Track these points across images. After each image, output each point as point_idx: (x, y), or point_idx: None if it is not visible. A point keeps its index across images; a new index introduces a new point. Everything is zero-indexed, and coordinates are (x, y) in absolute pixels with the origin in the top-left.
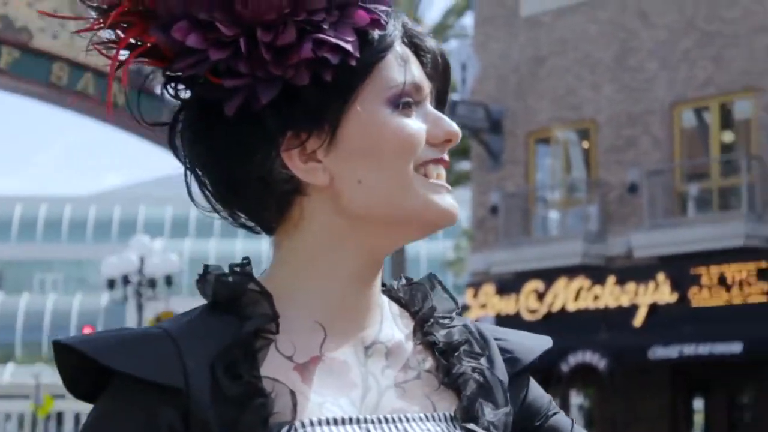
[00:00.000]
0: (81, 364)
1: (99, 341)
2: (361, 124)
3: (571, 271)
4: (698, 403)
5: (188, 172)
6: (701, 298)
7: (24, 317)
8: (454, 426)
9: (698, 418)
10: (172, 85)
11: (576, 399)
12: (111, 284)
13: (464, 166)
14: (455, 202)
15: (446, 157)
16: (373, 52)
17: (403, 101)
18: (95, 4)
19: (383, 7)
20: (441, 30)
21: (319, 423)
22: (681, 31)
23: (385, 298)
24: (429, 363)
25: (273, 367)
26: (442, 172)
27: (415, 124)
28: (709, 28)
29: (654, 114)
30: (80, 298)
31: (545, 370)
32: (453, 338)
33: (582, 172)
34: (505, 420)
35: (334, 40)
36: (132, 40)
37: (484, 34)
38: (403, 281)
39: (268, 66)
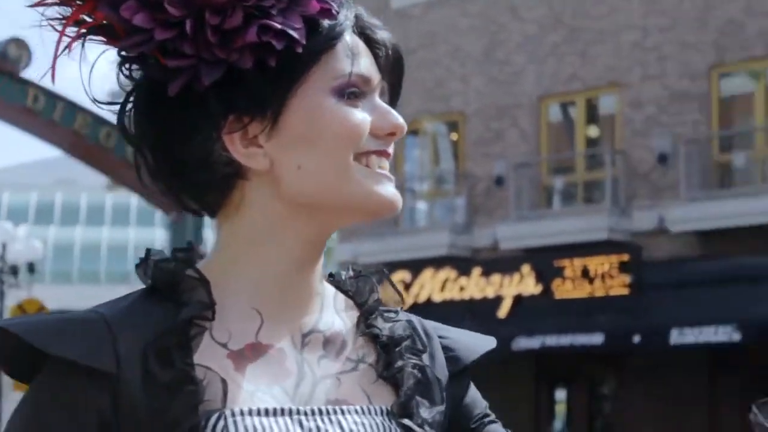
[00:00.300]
0: (17, 347)
1: (34, 324)
2: (305, 111)
3: (437, 262)
4: (560, 394)
5: (136, 150)
6: (564, 290)
7: None
8: (390, 421)
9: (560, 408)
10: (126, 65)
11: None
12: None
13: None
14: (397, 192)
15: (390, 149)
16: (321, 41)
17: (348, 92)
18: None
19: None
20: None
21: (250, 413)
22: (549, 26)
23: (330, 288)
24: (369, 356)
25: (207, 354)
26: (385, 164)
27: (359, 114)
28: (576, 23)
29: (522, 107)
30: None
31: None
32: (396, 333)
33: (450, 164)
34: (440, 419)
35: (279, 26)
36: (84, 17)
37: None
38: (351, 272)
39: (212, 48)
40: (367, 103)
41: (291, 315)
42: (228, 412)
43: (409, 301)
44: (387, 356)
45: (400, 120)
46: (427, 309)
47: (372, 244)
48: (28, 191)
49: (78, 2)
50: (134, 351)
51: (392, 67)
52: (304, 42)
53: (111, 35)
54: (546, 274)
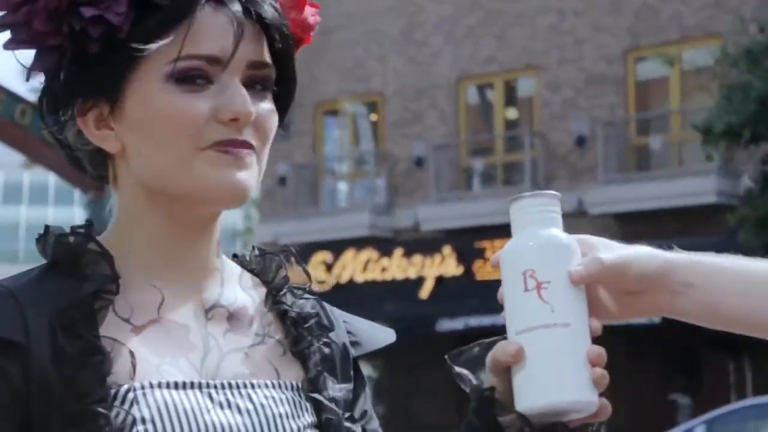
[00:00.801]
0: None
1: None
2: (139, 96)
3: (359, 243)
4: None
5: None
6: (486, 271)
7: None
8: (299, 395)
9: None
10: None
11: (363, 370)
12: None
13: None
14: (247, 179)
15: (241, 136)
16: (153, 24)
17: (183, 78)
18: None
19: None
20: None
21: (159, 385)
22: (466, 8)
23: (234, 266)
24: (278, 332)
25: (111, 328)
26: (234, 151)
27: (190, 102)
28: (493, 6)
29: (440, 89)
30: None
31: None
32: (305, 309)
33: (370, 145)
34: (347, 396)
35: (91, 13)
36: None
37: None
38: (256, 252)
39: (44, 36)
40: (220, 85)
41: (189, 291)
42: (137, 384)
43: (331, 281)
44: (296, 332)
45: (245, 106)
46: (349, 289)
47: (293, 225)
48: None
49: None
50: (41, 324)
51: (278, 50)
52: (125, 28)
53: None
54: (467, 255)
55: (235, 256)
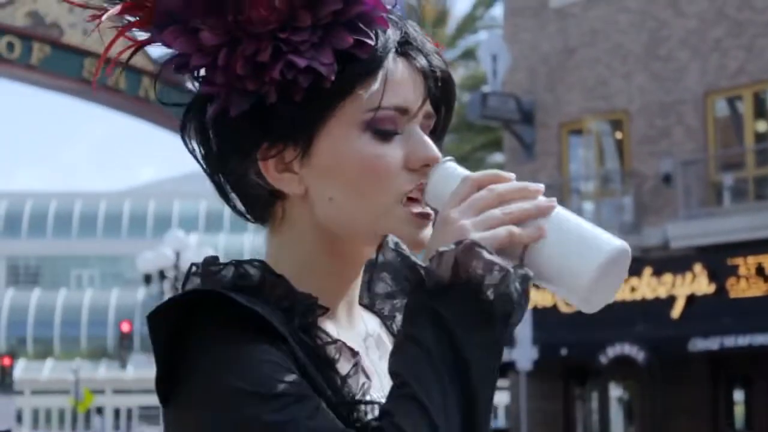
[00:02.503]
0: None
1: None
2: (333, 143)
3: None
4: (739, 395)
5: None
6: (739, 288)
7: (62, 313)
8: None
9: (739, 410)
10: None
11: (615, 392)
12: (147, 279)
13: (497, 158)
14: (428, 236)
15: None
16: (353, 75)
17: (380, 129)
18: None
19: (376, 26)
20: (470, 21)
21: (376, 403)
22: (711, 20)
23: None
24: None
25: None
26: (427, 221)
27: (386, 152)
28: (740, 16)
29: (686, 104)
30: (117, 293)
31: (584, 362)
32: None
33: (615, 163)
34: None
35: (304, 64)
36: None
37: (514, 25)
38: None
39: (243, 80)
40: (404, 134)
41: (350, 321)
42: (368, 398)
43: None
44: None
45: (434, 152)
46: (599, 310)
47: None
48: (197, 200)
49: (131, 19)
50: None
51: (441, 92)
52: (332, 78)
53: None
54: (719, 272)
55: None
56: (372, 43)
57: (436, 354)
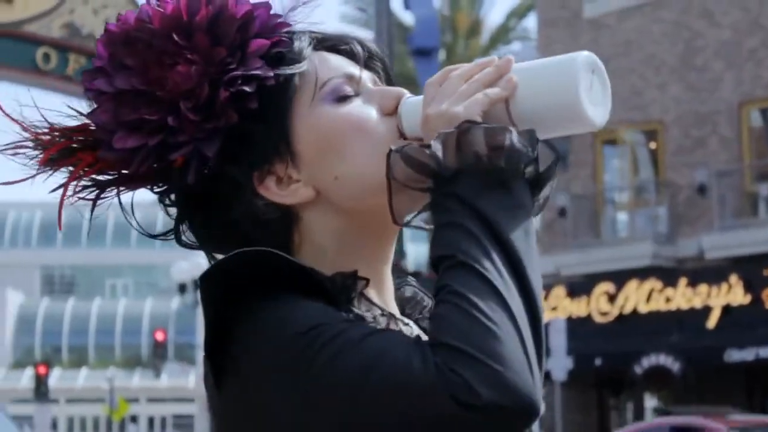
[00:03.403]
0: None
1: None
2: (310, 129)
3: (641, 273)
4: None
5: (208, 255)
6: None
7: (96, 322)
8: None
9: None
10: (166, 199)
11: (650, 402)
12: (182, 289)
13: None
14: None
15: None
16: (288, 64)
17: (339, 95)
18: (34, 156)
19: (284, 29)
20: (503, 32)
21: None
22: (746, 30)
23: None
24: None
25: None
26: None
27: (359, 108)
28: None
29: (721, 114)
30: (151, 302)
31: (619, 373)
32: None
33: (650, 173)
34: None
35: (242, 73)
36: (86, 168)
37: (547, 36)
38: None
39: (200, 125)
40: (364, 94)
41: (390, 305)
42: None
43: (615, 312)
44: None
45: (399, 89)
46: (633, 320)
47: (574, 256)
48: None
49: (78, 161)
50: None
51: (374, 58)
52: (271, 74)
53: (116, 168)
54: (755, 283)
55: None
56: (285, 37)
57: (467, 226)
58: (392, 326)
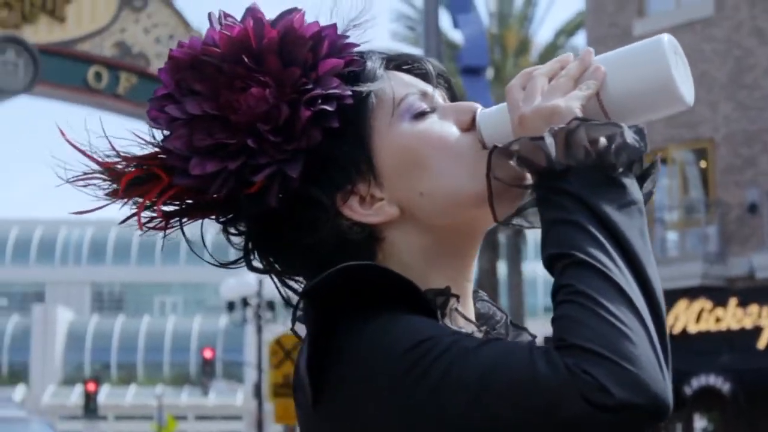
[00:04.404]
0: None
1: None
2: (391, 147)
3: (691, 293)
4: None
5: (278, 281)
6: None
7: (145, 339)
8: None
9: None
10: (231, 227)
11: (700, 423)
12: (230, 306)
13: None
14: None
15: None
16: (365, 83)
17: (417, 112)
18: (106, 187)
19: (352, 49)
20: (552, 50)
21: None
22: None
23: None
24: None
25: None
26: None
27: (438, 123)
28: None
29: None
30: (200, 320)
31: None
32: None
33: (700, 193)
34: None
35: (322, 92)
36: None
37: (597, 54)
38: None
39: (281, 146)
40: (438, 110)
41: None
42: None
43: None
44: None
45: (470, 103)
46: (683, 340)
47: None
48: None
49: (147, 189)
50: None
51: (440, 78)
52: (349, 93)
53: (194, 196)
54: None
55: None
56: (358, 56)
57: (583, 224)
58: None
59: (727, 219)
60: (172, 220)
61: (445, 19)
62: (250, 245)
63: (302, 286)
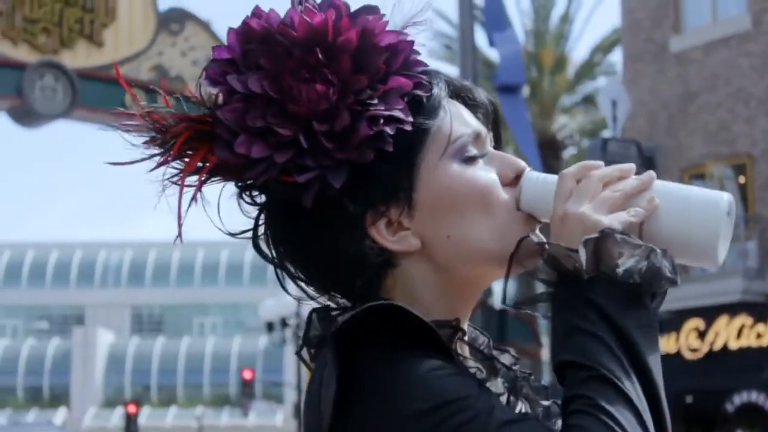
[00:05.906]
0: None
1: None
2: (434, 183)
3: (732, 309)
4: None
5: (278, 269)
6: None
7: (185, 360)
8: None
9: None
10: (247, 192)
11: None
12: (269, 327)
13: None
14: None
15: None
16: (425, 113)
17: (466, 155)
18: (158, 141)
19: (420, 68)
20: (588, 68)
21: None
22: None
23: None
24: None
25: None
26: None
27: (485, 173)
28: None
29: None
30: (239, 340)
31: (710, 410)
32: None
33: (738, 208)
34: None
35: (386, 113)
36: (199, 164)
37: (634, 70)
38: None
39: (332, 153)
40: (487, 157)
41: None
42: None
43: (704, 349)
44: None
45: (521, 162)
46: (723, 357)
47: None
48: None
49: (192, 152)
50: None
51: (491, 121)
52: (411, 119)
53: (229, 172)
54: None
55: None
56: (427, 80)
57: (606, 339)
58: (490, 378)
59: (766, 234)
60: (201, 175)
61: (481, 38)
62: (263, 227)
63: (299, 282)
